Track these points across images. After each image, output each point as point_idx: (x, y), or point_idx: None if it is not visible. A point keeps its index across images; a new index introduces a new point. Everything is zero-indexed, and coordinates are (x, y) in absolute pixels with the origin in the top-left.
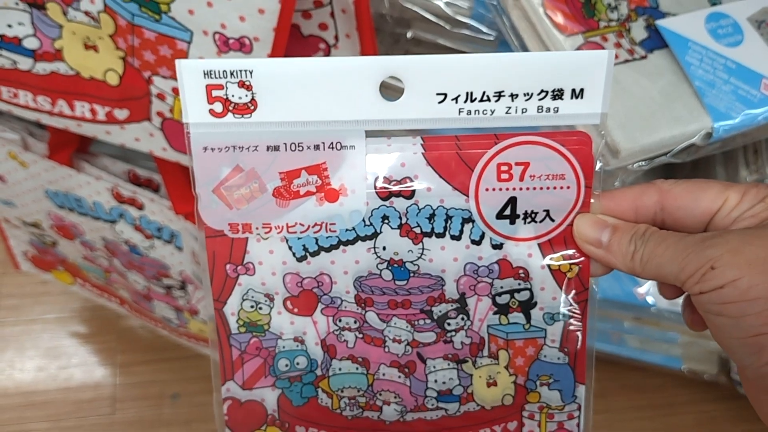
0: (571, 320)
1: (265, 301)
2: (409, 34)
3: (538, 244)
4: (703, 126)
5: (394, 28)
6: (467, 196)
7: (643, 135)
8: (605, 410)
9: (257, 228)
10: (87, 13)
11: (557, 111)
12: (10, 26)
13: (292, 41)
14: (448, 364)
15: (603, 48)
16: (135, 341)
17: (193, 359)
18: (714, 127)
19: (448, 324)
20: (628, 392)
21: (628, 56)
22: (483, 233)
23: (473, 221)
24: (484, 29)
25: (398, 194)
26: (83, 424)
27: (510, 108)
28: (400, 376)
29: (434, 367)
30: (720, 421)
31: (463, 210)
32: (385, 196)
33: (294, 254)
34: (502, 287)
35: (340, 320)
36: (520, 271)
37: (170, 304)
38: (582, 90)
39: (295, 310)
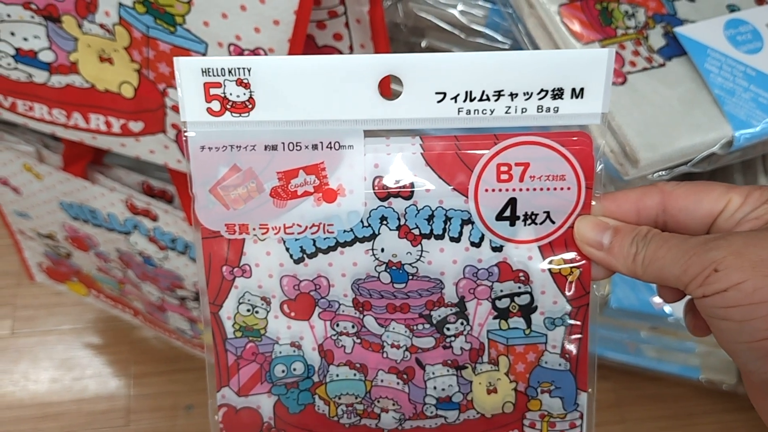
0: (573, 325)
1: (262, 304)
2: (423, 43)
3: (539, 247)
4: (724, 134)
5: (408, 37)
6: (466, 197)
7: (663, 143)
8: (622, 420)
9: (254, 229)
10: (102, 26)
11: (557, 111)
12: (25, 39)
13: (307, 52)
14: (448, 371)
15: (621, 57)
16: (149, 352)
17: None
18: (734, 136)
19: (448, 329)
20: (646, 402)
21: (646, 64)
22: (483, 235)
23: (473, 223)
24: (499, 38)
25: (397, 195)
26: None
27: (510, 107)
28: (398, 383)
29: (433, 373)
30: (739, 431)
31: (462, 211)
32: (384, 196)
33: (291, 256)
34: (501, 291)
35: (337, 324)
36: (521, 274)
37: (184, 316)
38: (582, 89)
39: (292, 314)
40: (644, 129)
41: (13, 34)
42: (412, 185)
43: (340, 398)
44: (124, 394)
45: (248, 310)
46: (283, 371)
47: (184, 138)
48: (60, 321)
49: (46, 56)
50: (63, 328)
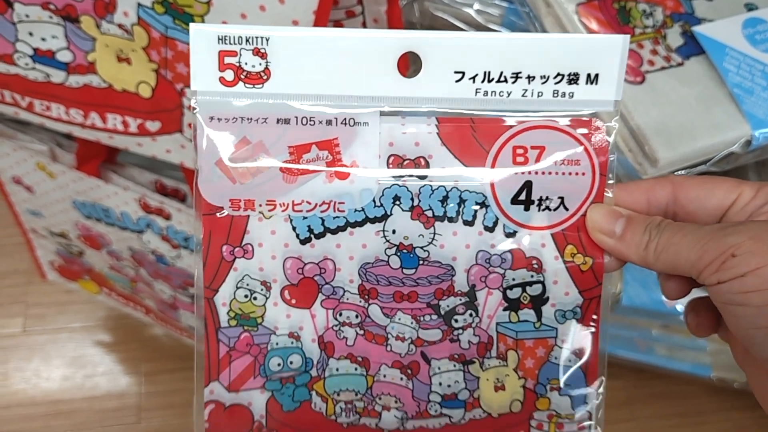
0: (584, 319)
1: (261, 289)
2: None
3: (552, 235)
4: (743, 134)
5: None
6: (482, 178)
7: (682, 143)
8: (632, 418)
9: (260, 205)
10: (120, 26)
11: (572, 96)
12: (44, 39)
13: None
14: (454, 366)
15: (639, 56)
16: (160, 350)
17: None
18: (753, 135)
19: (456, 320)
20: (656, 400)
21: (664, 63)
22: (497, 219)
23: (487, 206)
24: None
25: (411, 173)
26: None
27: (526, 91)
28: (402, 378)
29: (439, 368)
30: (750, 429)
31: (477, 193)
32: (398, 174)
33: (298, 236)
34: (514, 279)
35: (340, 314)
36: (534, 261)
37: None
38: (597, 75)
39: (293, 301)
40: (663, 128)
41: (31, 34)
42: (427, 164)
43: (339, 394)
44: (135, 391)
45: (246, 296)
46: (279, 364)
47: (193, 109)
48: (71, 319)
49: (64, 56)
50: (74, 325)
